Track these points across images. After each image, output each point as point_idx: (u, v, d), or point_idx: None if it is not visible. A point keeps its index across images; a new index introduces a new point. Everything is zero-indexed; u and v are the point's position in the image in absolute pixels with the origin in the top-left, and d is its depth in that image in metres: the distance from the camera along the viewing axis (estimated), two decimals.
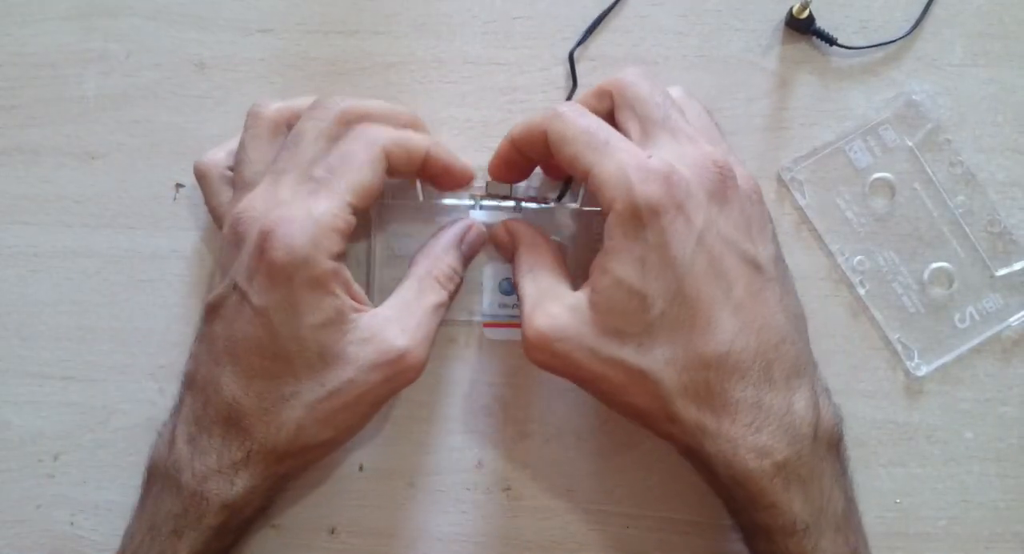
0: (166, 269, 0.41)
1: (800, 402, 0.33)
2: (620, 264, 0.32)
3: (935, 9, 0.42)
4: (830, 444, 0.34)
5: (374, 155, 0.35)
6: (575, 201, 0.40)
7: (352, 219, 0.34)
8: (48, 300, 0.41)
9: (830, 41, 0.41)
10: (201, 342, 0.36)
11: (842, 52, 0.41)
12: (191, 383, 0.36)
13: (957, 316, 0.41)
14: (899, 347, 0.40)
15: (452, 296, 0.38)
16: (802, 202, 0.41)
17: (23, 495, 0.41)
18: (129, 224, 0.42)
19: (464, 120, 0.42)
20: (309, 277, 0.33)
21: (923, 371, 0.40)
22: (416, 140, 0.36)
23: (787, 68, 0.42)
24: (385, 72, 0.42)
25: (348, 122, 0.35)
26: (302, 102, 0.37)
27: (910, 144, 0.41)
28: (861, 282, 0.41)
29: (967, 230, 0.41)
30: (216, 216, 0.38)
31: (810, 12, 0.40)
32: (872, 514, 0.40)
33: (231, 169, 0.38)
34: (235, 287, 0.34)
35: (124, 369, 0.41)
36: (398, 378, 0.35)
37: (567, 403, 0.40)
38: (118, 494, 0.40)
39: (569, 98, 0.41)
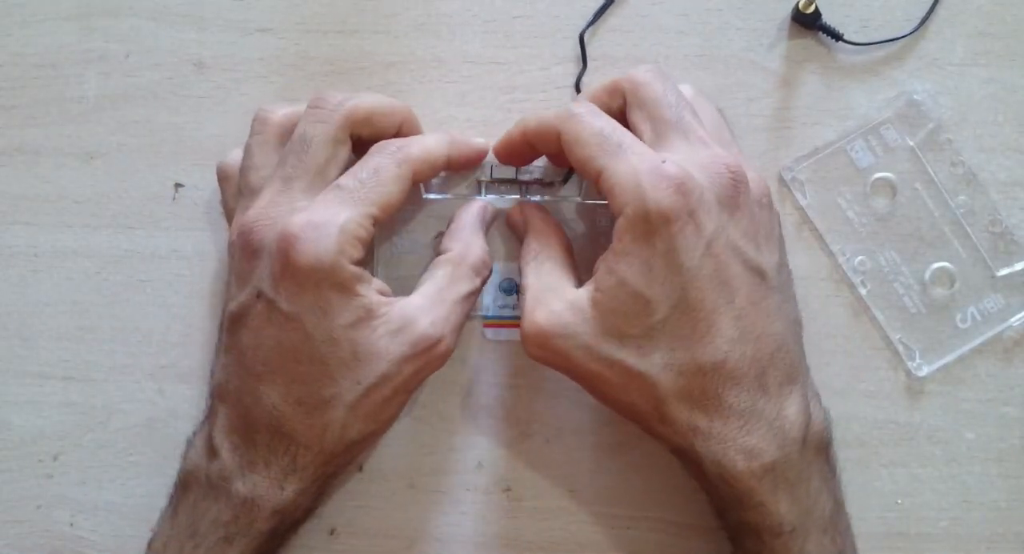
0: (166, 269, 0.41)
1: (791, 407, 0.33)
2: (627, 267, 0.32)
3: (937, 8, 0.41)
4: (819, 448, 0.34)
5: (403, 173, 0.35)
6: (578, 186, 0.40)
7: (372, 230, 0.34)
8: (48, 300, 0.41)
9: (836, 36, 0.41)
10: (228, 353, 0.35)
11: (846, 49, 0.41)
12: (223, 395, 0.35)
13: (958, 316, 0.40)
14: (900, 347, 0.40)
15: (484, 283, 0.38)
16: (803, 202, 0.41)
17: (23, 495, 0.41)
18: (129, 224, 0.42)
19: (464, 120, 0.42)
20: (335, 282, 0.33)
21: (924, 371, 0.40)
22: (437, 152, 0.36)
23: (790, 66, 0.42)
24: (385, 72, 0.42)
25: (353, 124, 0.35)
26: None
27: (911, 144, 0.41)
28: (862, 282, 0.41)
29: (968, 230, 0.41)
30: (232, 218, 0.38)
31: (816, 7, 0.40)
32: (873, 514, 0.40)
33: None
34: (259, 295, 0.34)
35: (124, 369, 0.41)
36: (428, 367, 0.35)
37: (568, 404, 0.40)
38: (118, 494, 0.40)
39: (578, 80, 0.41)
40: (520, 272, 0.37)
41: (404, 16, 0.42)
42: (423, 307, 0.35)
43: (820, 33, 0.41)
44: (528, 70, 0.42)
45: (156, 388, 0.41)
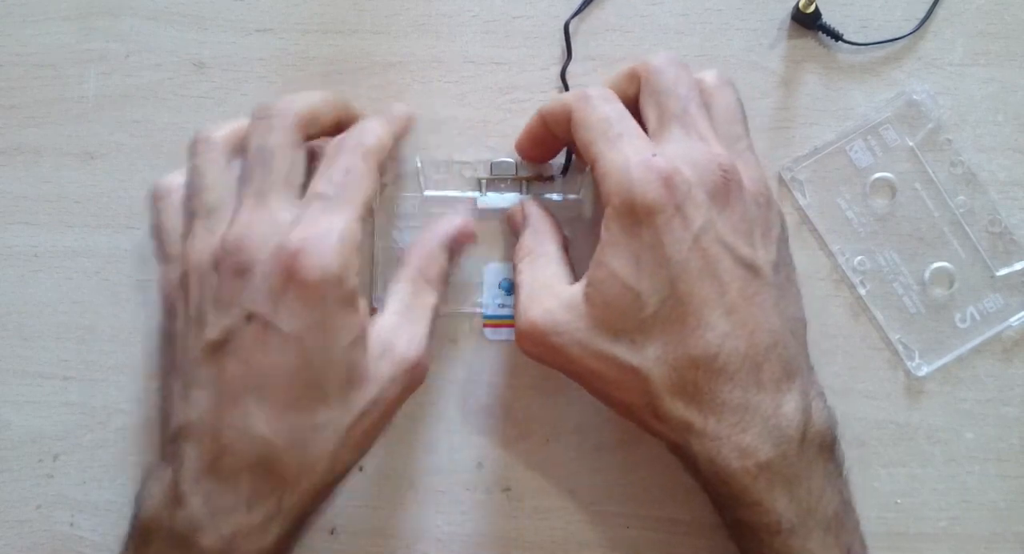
0: None
1: (789, 405, 0.33)
2: (616, 258, 0.33)
3: (937, 8, 0.42)
4: (822, 446, 0.34)
5: (371, 166, 0.34)
6: (577, 183, 0.40)
7: (361, 232, 0.33)
8: (48, 300, 0.41)
9: (836, 36, 0.41)
10: (202, 387, 0.32)
11: (846, 49, 0.41)
12: (192, 435, 0.32)
13: (958, 316, 0.40)
14: (900, 347, 0.40)
15: (443, 296, 0.38)
16: (803, 202, 0.41)
17: (23, 495, 0.41)
18: (129, 224, 0.42)
19: (464, 120, 0.42)
20: (341, 295, 0.32)
21: (924, 371, 0.40)
22: (387, 136, 0.35)
23: (789, 66, 0.42)
24: (385, 72, 0.42)
25: (305, 127, 0.35)
26: (245, 122, 0.36)
27: (911, 144, 0.41)
28: (862, 282, 0.41)
29: (968, 230, 0.41)
30: (166, 244, 0.35)
31: (816, 7, 0.40)
32: (872, 514, 0.40)
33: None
34: (250, 317, 0.32)
35: (124, 369, 0.41)
36: (411, 387, 0.35)
37: (568, 403, 0.40)
38: (118, 494, 0.40)
39: (563, 70, 0.41)
40: (514, 269, 0.37)
41: (404, 16, 0.42)
42: (397, 326, 0.35)
43: (820, 33, 0.41)
44: (528, 70, 0.42)
45: (156, 388, 0.41)
